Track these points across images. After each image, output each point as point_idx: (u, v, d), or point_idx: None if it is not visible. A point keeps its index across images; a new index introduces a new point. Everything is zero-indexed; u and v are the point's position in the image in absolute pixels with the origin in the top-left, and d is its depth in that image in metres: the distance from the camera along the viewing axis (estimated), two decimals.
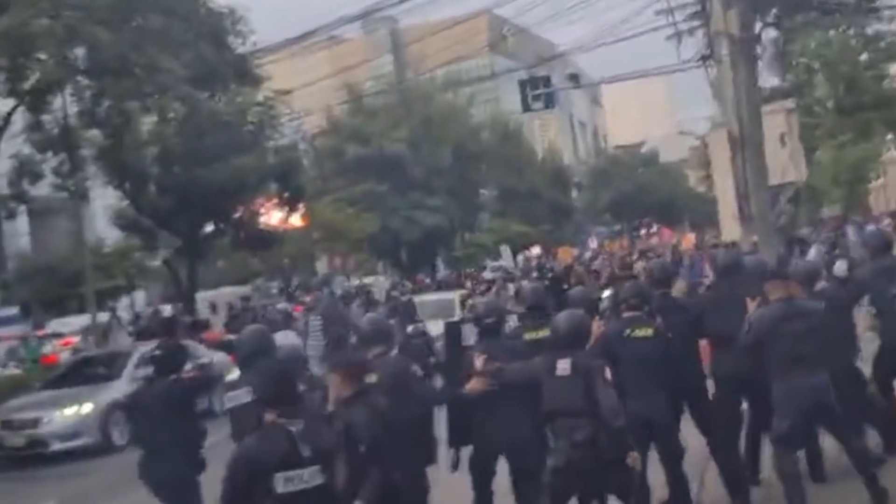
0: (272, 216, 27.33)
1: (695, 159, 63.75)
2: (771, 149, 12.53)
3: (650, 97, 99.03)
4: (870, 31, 42.46)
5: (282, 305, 30.01)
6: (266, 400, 4.69)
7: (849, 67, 40.51)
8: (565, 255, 45.23)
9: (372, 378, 5.73)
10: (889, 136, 29.88)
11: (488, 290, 22.43)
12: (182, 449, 6.70)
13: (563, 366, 5.80)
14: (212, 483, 5.53)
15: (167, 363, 7.08)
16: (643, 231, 72.86)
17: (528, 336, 6.97)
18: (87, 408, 14.03)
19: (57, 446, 13.62)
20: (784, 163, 12.89)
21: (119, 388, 14.60)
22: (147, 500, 7.62)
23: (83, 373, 15.62)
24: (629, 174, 70.58)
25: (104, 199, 24.81)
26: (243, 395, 6.01)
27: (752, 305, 6.80)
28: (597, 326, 6.79)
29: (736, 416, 7.24)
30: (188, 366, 7.51)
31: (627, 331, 6.73)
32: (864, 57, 42.36)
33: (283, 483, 4.44)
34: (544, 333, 6.76)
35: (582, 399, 5.70)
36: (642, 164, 74.71)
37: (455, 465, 6.61)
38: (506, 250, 38.75)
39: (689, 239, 46.71)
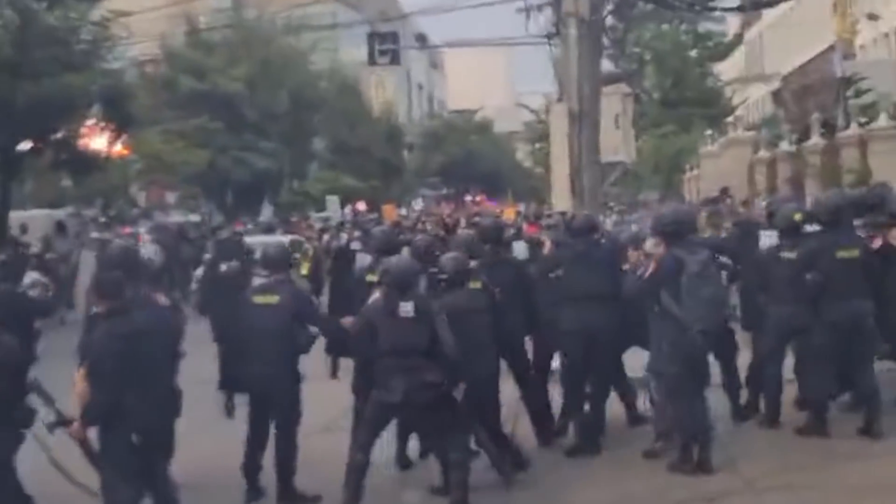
0: (95, 140, 26.23)
1: (528, 132, 65.42)
2: (605, 128, 13.19)
3: (491, 66, 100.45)
4: (701, 29, 44.80)
5: (96, 235, 29.01)
6: None
7: (678, 62, 42.67)
8: (390, 212, 45.60)
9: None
10: (708, 132, 31.77)
11: (320, 238, 22.41)
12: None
13: (406, 308, 6.10)
14: None
15: (10, 270, 7.08)
16: (468, 198, 74.33)
17: (369, 277, 7.26)
18: None
19: None
20: (616, 143, 13.59)
21: None
22: None
23: None
24: (461, 139, 71.67)
25: None
26: None
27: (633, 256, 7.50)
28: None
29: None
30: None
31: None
32: (693, 53, 44.70)
33: None
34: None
35: (426, 341, 6.08)
36: (475, 132, 75.96)
37: None
38: (334, 201, 38.69)
39: (511, 210, 48.03)
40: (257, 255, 7.88)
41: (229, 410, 7.11)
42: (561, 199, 13.78)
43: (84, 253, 19.65)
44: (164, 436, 5.79)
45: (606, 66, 36.37)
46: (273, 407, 6.87)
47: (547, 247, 8.62)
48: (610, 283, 7.55)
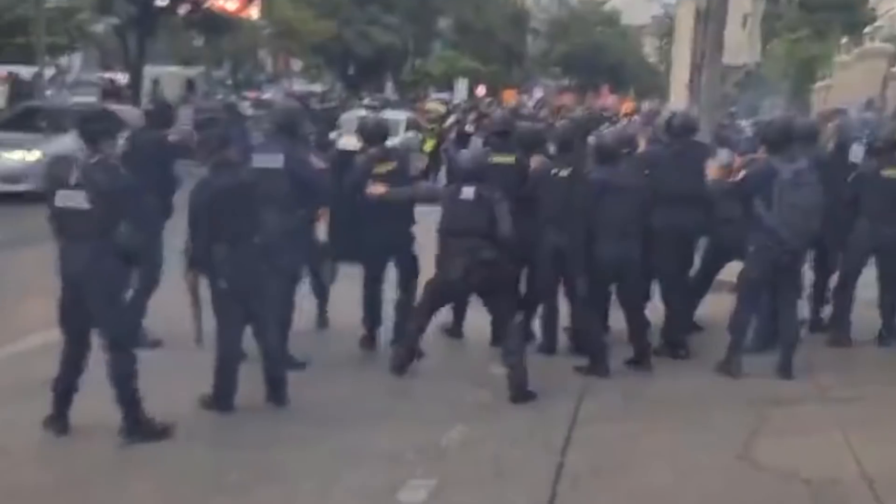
0: (228, 2, 26.95)
1: (656, 27, 63.63)
2: (732, 28, 13.01)
3: None
4: None
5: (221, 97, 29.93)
6: None
7: None
8: (509, 97, 45.40)
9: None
10: (844, 40, 30.49)
11: (444, 118, 22.69)
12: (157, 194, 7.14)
13: (468, 191, 6.57)
14: None
15: (159, 118, 7.65)
16: (593, 91, 73.20)
17: (495, 159, 7.50)
18: (35, 154, 14.30)
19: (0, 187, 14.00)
20: (741, 43, 13.40)
21: (66, 143, 14.93)
22: None
23: (30, 122, 15.79)
24: (587, 30, 70.19)
25: None
26: None
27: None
28: None
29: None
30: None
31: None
32: None
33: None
34: (508, 159, 7.52)
35: (485, 222, 6.47)
36: (602, 23, 74.22)
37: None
38: (463, 82, 38.77)
39: (628, 106, 47.23)
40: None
41: (332, 276, 7.64)
42: (678, 98, 13.75)
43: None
44: (250, 284, 6.00)
45: None
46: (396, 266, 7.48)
47: (641, 145, 8.52)
48: (703, 185, 7.58)
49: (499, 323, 6.81)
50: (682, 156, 7.66)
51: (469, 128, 18.37)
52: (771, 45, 38.76)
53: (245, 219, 5.91)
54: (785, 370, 7.17)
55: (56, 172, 5.43)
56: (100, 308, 5.36)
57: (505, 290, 6.69)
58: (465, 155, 7.12)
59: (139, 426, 5.38)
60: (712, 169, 7.58)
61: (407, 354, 6.83)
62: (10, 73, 24.80)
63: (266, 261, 6.23)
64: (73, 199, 5.27)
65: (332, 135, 9.92)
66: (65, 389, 5.43)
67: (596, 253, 6.94)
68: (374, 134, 7.60)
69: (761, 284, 7.25)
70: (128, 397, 5.36)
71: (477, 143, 9.94)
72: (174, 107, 9.22)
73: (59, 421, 5.42)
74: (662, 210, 7.30)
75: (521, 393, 6.43)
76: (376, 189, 7.13)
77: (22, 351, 7.07)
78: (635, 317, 7.23)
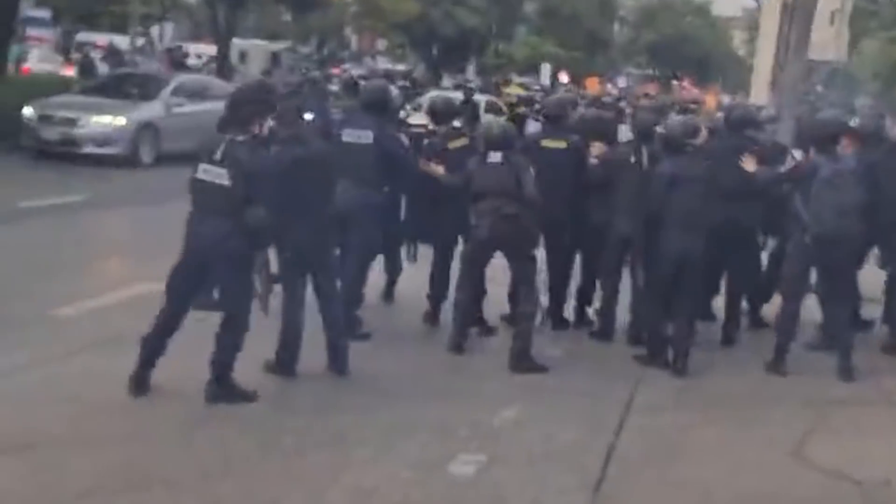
0: None
1: (746, 20, 62.50)
2: (819, 24, 12.77)
3: None
4: None
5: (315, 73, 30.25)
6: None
7: None
8: (592, 85, 45.10)
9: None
10: None
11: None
12: None
13: (496, 157, 6.85)
14: None
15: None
16: (676, 82, 72.22)
17: (544, 143, 7.64)
18: (121, 120, 14.76)
19: (88, 149, 14.46)
20: (827, 40, 13.19)
21: (153, 109, 15.39)
22: (161, 216, 8.50)
23: (121, 88, 16.29)
24: (676, 20, 69.23)
25: None
26: None
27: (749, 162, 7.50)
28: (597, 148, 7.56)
29: None
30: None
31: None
32: None
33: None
34: (560, 144, 7.59)
35: (511, 183, 6.74)
36: (692, 13, 73.12)
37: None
38: (546, 68, 38.66)
39: (712, 98, 46.62)
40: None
41: (412, 256, 7.83)
42: (760, 93, 13.58)
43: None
44: (317, 256, 6.19)
45: None
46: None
47: (702, 136, 8.43)
48: (752, 181, 7.41)
49: (518, 284, 7.02)
50: (736, 150, 7.61)
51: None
52: (862, 43, 37.83)
53: (315, 191, 6.03)
54: (844, 372, 7.09)
55: (207, 145, 5.64)
56: (226, 281, 5.61)
57: (527, 251, 6.90)
58: (492, 128, 7.36)
59: (225, 389, 5.60)
60: (748, 161, 7.47)
61: (459, 332, 6.98)
62: (109, 43, 25.62)
63: (339, 234, 6.48)
64: (214, 174, 5.49)
65: (402, 114, 10.11)
66: (153, 348, 5.63)
67: (661, 244, 6.97)
68: (444, 113, 7.85)
69: (802, 281, 7.21)
70: (225, 362, 5.59)
71: (535, 126, 10.03)
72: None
73: (142, 377, 5.62)
74: (720, 204, 7.22)
75: (522, 362, 6.65)
76: (433, 168, 7.31)
77: (102, 306, 7.37)
78: (686, 313, 7.13)
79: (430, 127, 7.99)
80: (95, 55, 23.90)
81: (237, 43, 27.19)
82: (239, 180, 5.42)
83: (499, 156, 6.86)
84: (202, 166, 5.53)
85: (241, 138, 5.52)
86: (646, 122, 7.76)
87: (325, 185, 6.20)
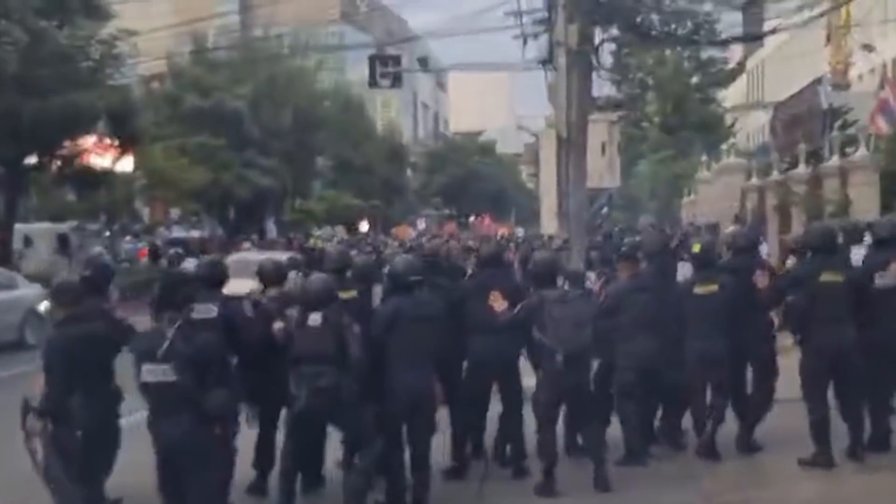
0: (101, 156, 26.69)
1: (529, 155, 66.01)
2: (592, 155, 13.57)
3: (493, 88, 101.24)
4: (704, 55, 45.12)
5: (98, 249, 29.44)
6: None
7: (679, 88, 42.98)
8: (403, 233, 46.15)
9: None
10: (703, 158, 32.08)
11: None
12: None
13: (315, 318, 6.63)
14: None
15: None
16: (472, 218, 74.77)
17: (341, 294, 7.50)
18: None
19: None
20: (602, 169, 13.96)
21: None
22: None
23: None
24: (465, 160, 72.19)
25: None
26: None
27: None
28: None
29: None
30: None
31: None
32: (694, 79, 44.97)
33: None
34: (350, 294, 7.53)
35: (330, 347, 6.51)
36: (479, 153, 76.52)
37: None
38: (340, 230, 39.43)
39: (505, 230, 48.95)
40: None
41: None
42: (549, 223, 14.16)
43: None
44: (105, 437, 6.21)
45: (608, 89, 36.96)
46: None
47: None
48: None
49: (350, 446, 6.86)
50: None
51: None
52: (637, 167, 40.56)
53: (96, 368, 6.14)
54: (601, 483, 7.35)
55: (142, 346, 5.58)
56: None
57: (351, 416, 6.65)
58: (311, 283, 7.19)
59: None
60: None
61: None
62: None
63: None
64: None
65: None
66: None
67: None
68: (271, 275, 7.86)
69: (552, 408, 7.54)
70: None
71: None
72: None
73: None
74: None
75: None
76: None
77: None
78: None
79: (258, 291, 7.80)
80: None
81: (20, 228, 26.06)
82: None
83: (318, 317, 6.61)
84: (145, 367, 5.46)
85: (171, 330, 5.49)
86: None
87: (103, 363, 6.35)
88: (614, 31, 15.14)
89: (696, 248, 8.53)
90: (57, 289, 6.57)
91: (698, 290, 8.10)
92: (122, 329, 6.62)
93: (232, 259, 22.56)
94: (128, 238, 33.59)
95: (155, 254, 28.87)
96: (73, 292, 6.44)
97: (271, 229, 43.24)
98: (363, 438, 6.67)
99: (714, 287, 8.02)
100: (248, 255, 24.39)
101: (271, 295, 7.62)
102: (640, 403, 8.07)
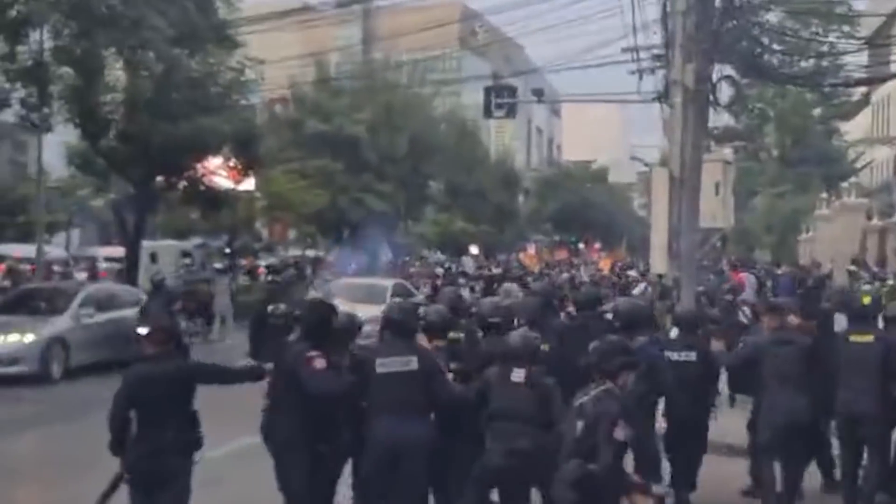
0: (225, 178, 27.80)
1: (641, 185, 65.38)
2: (706, 195, 13.52)
3: (607, 118, 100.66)
4: (826, 88, 44.04)
5: (218, 265, 30.59)
6: None
7: (800, 120, 42.10)
8: (531, 259, 46.51)
9: None
10: (823, 194, 31.37)
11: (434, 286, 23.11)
12: None
13: (518, 374, 6.35)
14: None
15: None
16: (582, 245, 74.36)
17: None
18: (29, 337, 14.54)
19: None
20: (715, 209, 13.87)
21: (61, 324, 15.22)
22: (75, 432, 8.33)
23: (28, 304, 16.11)
24: (577, 187, 71.95)
25: (54, 135, 24.86)
26: None
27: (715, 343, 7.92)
28: None
29: None
30: None
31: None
32: (817, 111, 43.95)
33: None
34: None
35: (533, 408, 6.23)
36: (591, 180, 76.20)
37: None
38: (468, 261, 40.14)
39: (606, 262, 48.58)
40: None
41: None
42: (659, 262, 14.12)
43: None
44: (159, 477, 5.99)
45: (726, 118, 36.51)
46: None
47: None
48: None
49: None
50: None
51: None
52: (754, 200, 39.86)
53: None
54: None
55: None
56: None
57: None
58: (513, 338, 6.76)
59: None
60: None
61: None
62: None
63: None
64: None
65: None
66: None
67: None
68: (438, 326, 7.13)
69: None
70: None
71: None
72: None
73: None
74: None
75: None
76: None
77: None
78: None
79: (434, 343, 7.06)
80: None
81: (147, 245, 27.27)
82: None
83: (521, 373, 6.31)
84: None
85: None
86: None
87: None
88: (732, 70, 15.04)
89: (866, 301, 8.24)
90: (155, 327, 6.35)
91: (854, 339, 7.78)
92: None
93: (338, 284, 23.39)
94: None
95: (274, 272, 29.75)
96: (166, 333, 6.27)
97: (385, 252, 44.02)
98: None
99: (870, 338, 7.71)
100: (355, 279, 25.08)
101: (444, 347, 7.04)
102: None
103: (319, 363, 6.35)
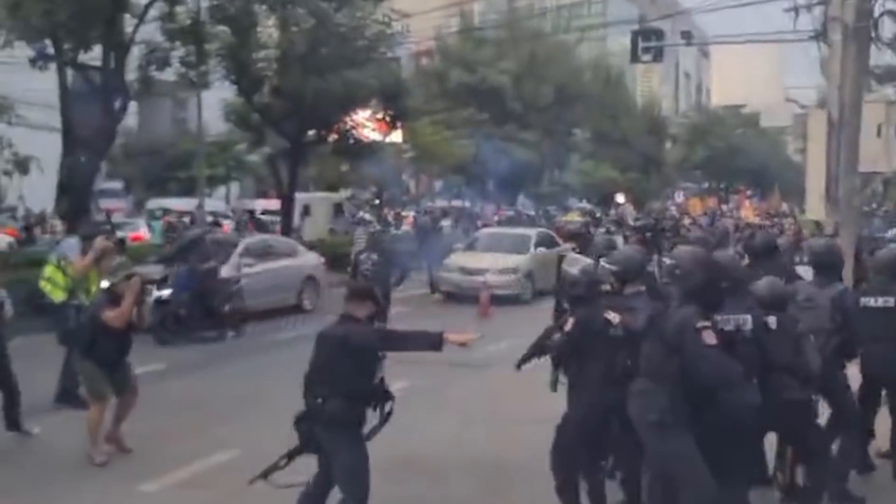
0: (373, 131, 28.30)
1: (797, 128, 62.78)
2: (866, 137, 12.95)
3: (759, 59, 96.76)
4: None
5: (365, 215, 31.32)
6: None
7: None
8: (696, 205, 45.80)
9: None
10: None
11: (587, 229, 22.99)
12: None
13: (771, 321, 6.08)
14: None
15: None
16: (732, 192, 72.27)
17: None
18: None
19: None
20: (876, 153, 13.28)
21: (226, 273, 16.00)
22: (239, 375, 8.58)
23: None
24: (727, 133, 69.81)
25: (211, 91, 25.77)
26: None
27: None
28: None
29: None
30: None
31: None
32: None
33: None
34: None
35: (786, 356, 6.03)
36: (742, 125, 73.74)
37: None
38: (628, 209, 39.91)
39: (748, 208, 46.97)
40: None
41: None
42: (815, 207, 13.67)
43: (358, 231, 21.49)
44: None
45: (889, 57, 34.56)
46: None
47: None
48: None
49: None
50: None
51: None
52: None
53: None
54: None
55: None
56: None
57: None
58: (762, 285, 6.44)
59: None
60: None
61: None
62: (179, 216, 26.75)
63: None
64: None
65: None
66: None
67: None
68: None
69: None
70: None
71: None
72: None
73: None
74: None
75: None
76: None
77: (183, 481, 7.60)
78: None
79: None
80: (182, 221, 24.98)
81: (300, 197, 28.13)
82: None
83: (773, 320, 6.09)
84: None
85: None
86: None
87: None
88: (895, 4, 14.28)
89: None
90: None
91: None
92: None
93: (482, 233, 23.64)
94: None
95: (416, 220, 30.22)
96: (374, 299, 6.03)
97: (525, 203, 44.03)
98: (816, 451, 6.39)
99: None
100: (499, 230, 25.27)
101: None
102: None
103: (710, 338, 5.26)
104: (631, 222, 24.92)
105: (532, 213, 38.57)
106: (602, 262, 6.66)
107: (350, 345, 5.62)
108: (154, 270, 14.61)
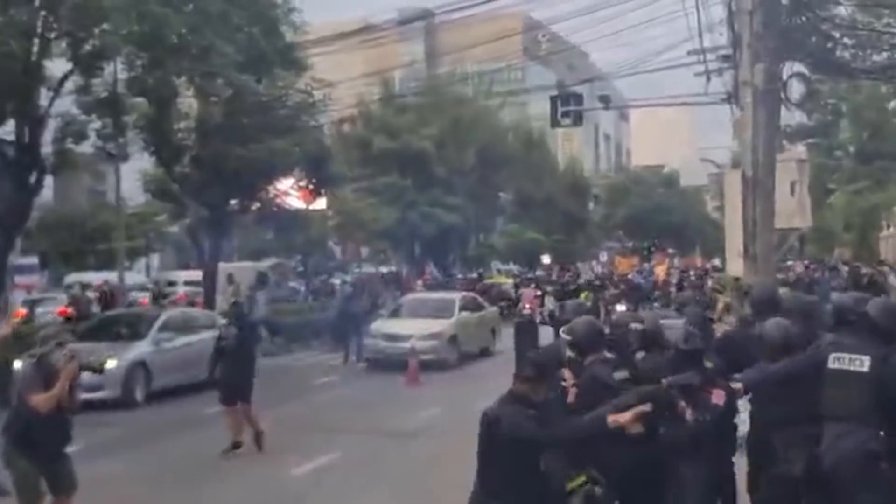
0: (297, 198, 28.17)
1: (714, 187, 64.37)
2: (781, 194, 13.24)
3: (675, 121, 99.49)
4: None
5: (293, 284, 31.09)
6: None
7: (875, 114, 40.97)
8: (624, 265, 46.27)
9: None
10: None
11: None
12: None
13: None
14: None
15: None
16: (655, 251, 73.44)
17: None
18: (112, 363, 14.82)
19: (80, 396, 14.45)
20: (791, 210, 13.57)
21: (141, 349, 15.55)
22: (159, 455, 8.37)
23: (109, 330, 16.49)
24: (648, 193, 71.22)
25: (130, 163, 25.41)
26: None
27: None
28: None
29: None
30: None
31: None
32: (892, 104, 42.72)
33: None
34: None
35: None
36: (662, 185, 75.33)
37: None
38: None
39: (662, 267, 47.74)
40: None
41: None
42: (734, 265, 13.86)
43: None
44: None
45: (799, 116, 35.77)
46: None
47: None
48: None
49: None
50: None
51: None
52: (831, 197, 38.97)
53: None
54: None
55: None
56: None
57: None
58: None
59: None
60: None
61: None
62: (105, 282, 26.06)
63: None
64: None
65: None
66: None
67: None
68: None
69: None
70: None
71: None
72: None
73: None
74: None
75: None
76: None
77: None
78: None
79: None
80: (91, 295, 24.29)
81: (223, 266, 27.73)
82: None
83: None
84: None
85: None
86: None
87: None
88: (803, 67, 14.74)
89: None
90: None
91: None
92: None
93: (406, 299, 23.59)
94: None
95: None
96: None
97: (433, 271, 44.13)
98: None
99: None
100: (422, 294, 25.30)
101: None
102: None
103: None
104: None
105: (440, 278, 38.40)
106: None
107: None
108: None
